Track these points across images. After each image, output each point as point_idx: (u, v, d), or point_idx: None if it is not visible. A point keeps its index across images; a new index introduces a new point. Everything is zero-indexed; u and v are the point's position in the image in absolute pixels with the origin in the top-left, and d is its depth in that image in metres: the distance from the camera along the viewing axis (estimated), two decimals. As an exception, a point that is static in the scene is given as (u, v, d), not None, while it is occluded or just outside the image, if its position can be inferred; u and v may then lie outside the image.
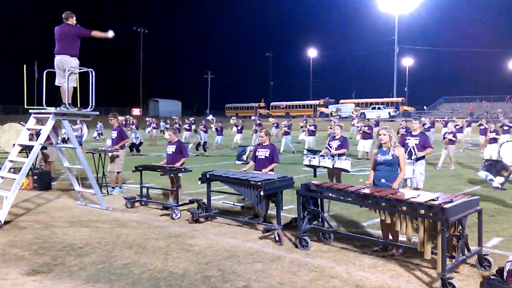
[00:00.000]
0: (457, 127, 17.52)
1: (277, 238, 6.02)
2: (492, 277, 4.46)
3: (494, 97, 62.65)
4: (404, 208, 4.85)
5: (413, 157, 7.81)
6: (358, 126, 18.95)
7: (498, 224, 6.97)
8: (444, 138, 14.73)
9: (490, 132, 15.28)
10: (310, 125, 19.51)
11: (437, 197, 4.77)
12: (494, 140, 14.92)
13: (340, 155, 8.26)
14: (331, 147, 8.52)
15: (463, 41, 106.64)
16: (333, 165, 7.93)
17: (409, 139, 8.16)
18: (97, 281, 4.71)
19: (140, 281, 4.71)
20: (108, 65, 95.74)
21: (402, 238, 5.56)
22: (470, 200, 4.91)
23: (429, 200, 4.65)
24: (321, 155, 8.29)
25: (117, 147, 10.00)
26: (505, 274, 4.35)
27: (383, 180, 5.60)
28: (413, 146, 7.92)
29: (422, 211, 4.64)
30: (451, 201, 4.59)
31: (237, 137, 22.72)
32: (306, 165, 8.39)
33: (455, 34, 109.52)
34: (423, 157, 8.03)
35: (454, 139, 14.56)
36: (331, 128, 19.02)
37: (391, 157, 5.64)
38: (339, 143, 8.54)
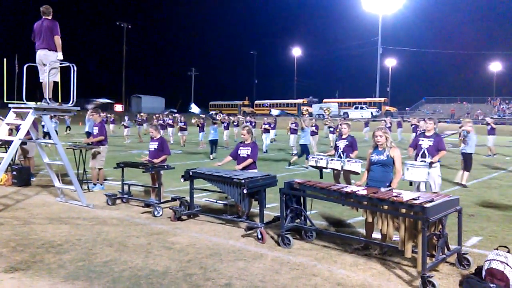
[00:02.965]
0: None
1: (259, 236, 6.02)
2: (471, 275, 4.53)
3: (474, 98, 63.72)
4: (386, 207, 4.89)
5: (427, 160, 7.48)
6: (329, 126, 19.10)
7: (478, 223, 7.09)
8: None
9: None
10: (291, 123, 19.65)
11: (418, 197, 4.83)
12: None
13: (349, 156, 8.01)
14: (338, 146, 8.34)
15: (445, 42, 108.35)
16: (342, 167, 7.43)
17: (422, 140, 7.77)
18: (77, 278, 4.65)
19: (121, 279, 4.66)
20: (90, 60, 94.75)
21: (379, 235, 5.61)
22: (450, 199, 4.98)
23: (410, 200, 4.69)
24: (329, 156, 7.82)
25: (94, 141, 9.89)
26: (483, 273, 4.43)
27: (383, 188, 5.47)
28: (426, 148, 7.61)
29: (403, 210, 4.69)
30: (431, 201, 4.64)
31: (225, 133, 22.81)
32: (312, 166, 7.81)
33: (437, 35, 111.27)
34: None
35: None
36: (325, 125, 19.08)
37: (386, 157, 5.65)
38: (347, 142, 8.31)
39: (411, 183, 7.35)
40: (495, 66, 72.40)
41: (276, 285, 4.53)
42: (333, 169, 7.66)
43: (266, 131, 20.67)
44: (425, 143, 7.67)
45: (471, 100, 63.02)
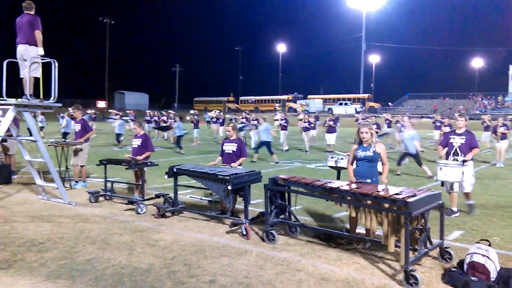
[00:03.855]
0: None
1: (244, 232, 6.02)
2: (453, 269, 4.59)
3: (457, 94, 64.54)
4: (369, 202, 4.92)
5: (460, 158, 7.17)
6: (306, 121, 19.43)
7: (459, 217, 7.18)
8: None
9: (445, 126, 15.82)
10: (282, 119, 19.75)
11: (401, 191, 4.87)
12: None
13: None
14: None
15: (428, 39, 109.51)
16: None
17: (453, 138, 7.41)
18: (59, 277, 4.59)
19: (103, 277, 4.61)
20: (72, 56, 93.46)
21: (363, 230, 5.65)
22: (432, 194, 5.03)
23: (393, 194, 4.73)
24: (344, 156, 7.57)
25: (81, 140, 9.75)
26: (465, 266, 4.50)
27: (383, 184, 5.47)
28: (458, 146, 7.30)
29: (386, 205, 4.73)
30: (414, 195, 4.68)
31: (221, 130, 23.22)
32: (331, 167, 7.57)
33: (421, 32, 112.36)
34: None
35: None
36: (305, 122, 19.27)
37: (372, 153, 5.69)
38: None
39: (442, 184, 7.26)
40: (477, 63, 73.46)
41: (260, 280, 4.53)
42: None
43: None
44: (457, 141, 7.35)
45: (453, 96, 63.82)
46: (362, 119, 18.65)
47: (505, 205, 8.12)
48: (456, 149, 7.31)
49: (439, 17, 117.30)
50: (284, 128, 19.44)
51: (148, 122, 27.53)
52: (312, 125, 20.56)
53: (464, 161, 7.07)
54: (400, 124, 17.50)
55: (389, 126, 21.16)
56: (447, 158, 7.36)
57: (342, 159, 7.18)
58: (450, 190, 7.34)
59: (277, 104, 65.80)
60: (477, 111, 47.97)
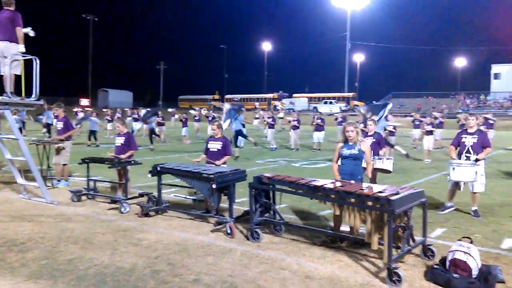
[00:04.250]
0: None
1: (228, 231, 6.00)
2: (435, 266, 4.63)
3: (440, 93, 65.35)
4: (353, 200, 4.94)
5: (472, 157, 7.11)
6: (295, 119, 19.61)
7: (442, 215, 7.26)
8: (385, 129, 15.64)
9: (426, 125, 16.00)
10: (268, 117, 19.79)
11: (384, 189, 4.90)
12: (430, 133, 15.68)
13: (377, 153, 7.86)
14: None
15: (412, 38, 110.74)
16: (373, 165, 7.27)
17: (465, 137, 7.32)
18: (40, 277, 4.52)
19: (86, 277, 4.55)
20: (55, 53, 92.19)
21: (347, 228, 5.68)
22: (415, 192, 5.07)
23: (376, 192, 4.76)
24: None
25: (63, 138, 9.62)
26: (447, 263, 4.55)
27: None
28: (471, 145, 7.22)
29: (370, 203, 4.75)
30: (397, 193, 4.71)
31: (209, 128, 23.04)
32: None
33: (405, 31, 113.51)
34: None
35: (394, 130, 15.60)
36: (294, 120, 19.37)
37: (357, 151, 5.78)
38: (374, 140, 8.14)
39: (457, 184, 7.24)
40: (460, 62, 74.48)
41: (244, 279, 4.52)
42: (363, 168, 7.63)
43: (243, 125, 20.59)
44: (469, 140, 7.26)
45: (436, 95, 64.57)
46: (342, 117, 18.87)
47: (486, 202, 8.24)
48: (468, 148, 7.24)
49: (423, 16, 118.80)
50: (271, 126, 19.48)
51: (136, 120, 27.16)
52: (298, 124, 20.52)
53: (476, 160, 7.05)
54: (320, 120, 18.16)
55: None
56: (459, 158, 7.31)
57: (380, 159, 7.38)
58: (461, 189, 7.31)
59: (256, 103, 66.26)
60: (460, 110, 48.52)
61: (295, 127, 18.91)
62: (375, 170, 7.57)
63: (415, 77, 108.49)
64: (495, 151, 17.80)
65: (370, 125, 8.36)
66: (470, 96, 60.46)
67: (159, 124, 22.43)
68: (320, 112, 22.04)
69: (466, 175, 6.86)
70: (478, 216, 7.11)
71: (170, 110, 39.01)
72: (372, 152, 7.84)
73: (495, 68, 62.35)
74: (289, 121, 19.76)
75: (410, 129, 21.67)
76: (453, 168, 6.93)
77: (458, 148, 7.43)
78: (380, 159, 7.36)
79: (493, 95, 58.66)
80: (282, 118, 29.30)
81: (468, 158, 7.16)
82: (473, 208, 7.25)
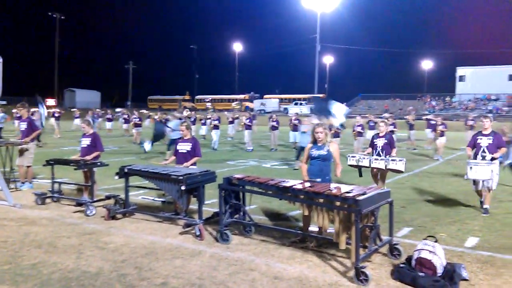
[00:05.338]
0: (370, 122, 18.96)
1: (198, 233, 5.94)
2: (401, 265, 4.71)
3: (406, 95, 66.69)
4: (321, 200, 4.98)
5: (487, 157, 7.35)
6: (274, 120, 19.95)
7: (408, 214, 7.41)
8: (354, 130, 16.83)
9: (389, 125, 16.60)
10: (246, 119, 19.84)
11: (352, 190, 4.95)
12: (392, 132, 16.28)
13: (389, 154, 7.93)
14: (376, 145, 8.15)
15: (381, 41, 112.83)
16: (385, 166, 7.43)
17: (481, 138, 7.58)
18: (2, 283, 4.37)
19: (50, 281, 4.42)
20: (20, 52, 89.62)
21: (315, 228, 5.72)
22: (382, 192, 5.16)
23: (344, 193, 4.81)
24: (368, 155, 7.81)
25: (27, 139, 9.33)
26: (413, 262, 4.64)
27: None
28: (486, 146, 7.46)
29: (338, 203, 4.80)
30: (364, 194, 4.77)
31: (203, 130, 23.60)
32: (351, 166, 7.70)
33: (374, 34, 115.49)
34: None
35: (362, 131, 16.72)
36: (273, 121, 19.50)
37: (326, 152, 5.84)
38: (385, 140, 8.15)
39: (474, 182, 7.45)
40: (427, 65, 76.28)
41: (213, 281, 4.49)
42: (377, 168, 7.65)
43: (216, 127, 20.38)
44: (484, 141, 7.53)
45: (403, 97, 65.89)
46: (296, 119, 19.08)
47: (451, 202, 8.45)
48: (483, 149, 7.50)
49: (391, 19, 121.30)
50: (248, 127, 19.53)
51: (126, 121, 26.62)
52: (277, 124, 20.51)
53: (493, 158, 7.32)
54: (298, 121, 18.19)
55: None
56: (475, 158, 7.55)
57: (364, 158, 7.49)
58: (476, 188, 7.53)
59: (208, 104, 66.83)
60: (426, 112, 49.69)
61: (274, 128, 19.56)
62: (387, 170, 7.71)
63: (383, 79, 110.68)
64: (460, 152, 18.33)
65: (382, 126, 8.36)
66: (436, 98, 61.99)
67: (136, 125, 21.96)
68: (297, 113, 22.10)
69: (483, 173, 7.11)
70: (487, 213, 7.36)
71: (118, 110, 38.85)
72: (384, 152, 8.05)
73: (460, 71, 64.19)
74: (243, 123, 20.48)
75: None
76: (471, 167, 7.17)
77: (474, 148, 7.71)
78: (394, 160, 7.48)
79: (458, 97, 60.36)
80: (237, 118, 29.13)
81: (483, 158, 7.43)
82: (485, 206, 7.48)
